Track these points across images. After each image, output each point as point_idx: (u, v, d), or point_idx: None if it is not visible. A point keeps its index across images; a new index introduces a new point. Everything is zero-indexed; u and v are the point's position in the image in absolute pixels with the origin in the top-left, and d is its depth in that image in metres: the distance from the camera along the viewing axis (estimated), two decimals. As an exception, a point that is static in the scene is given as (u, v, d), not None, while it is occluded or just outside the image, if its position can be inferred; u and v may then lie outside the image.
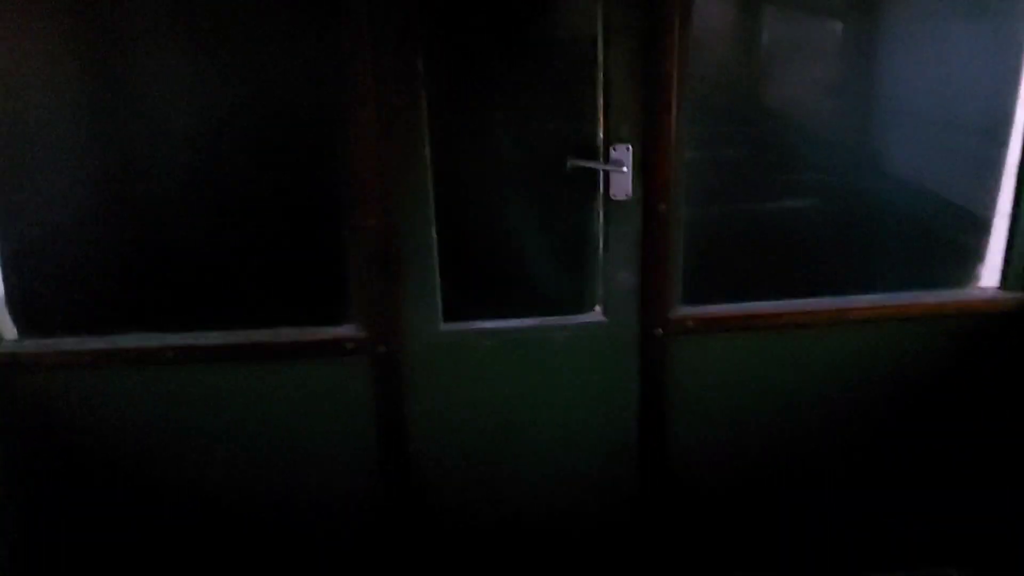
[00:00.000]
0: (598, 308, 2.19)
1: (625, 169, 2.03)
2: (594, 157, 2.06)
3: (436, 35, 1.97)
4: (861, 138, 2.36)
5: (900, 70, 2.31)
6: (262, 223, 2.15)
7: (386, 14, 1.90)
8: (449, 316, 2.15)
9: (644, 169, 2.05)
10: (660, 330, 2.17)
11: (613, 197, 2.08)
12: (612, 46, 1.97)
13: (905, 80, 2.31)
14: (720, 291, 2.23)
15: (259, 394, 2.18)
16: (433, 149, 2.00)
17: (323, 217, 2.12)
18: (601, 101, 2.02)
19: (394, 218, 2.02)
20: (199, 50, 2.04)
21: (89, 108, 2.06)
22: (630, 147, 2.03)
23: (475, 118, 2.09)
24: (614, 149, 2.04)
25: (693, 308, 2.20)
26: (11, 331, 2.13)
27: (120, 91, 2.04)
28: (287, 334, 2.14)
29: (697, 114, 2.07)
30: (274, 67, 2.06)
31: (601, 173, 2.07)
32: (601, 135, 2.04)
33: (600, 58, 1.99)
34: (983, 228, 2.32)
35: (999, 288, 2.30)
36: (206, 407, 2.17)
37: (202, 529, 2.30)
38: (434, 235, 2.06)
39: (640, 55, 1.96)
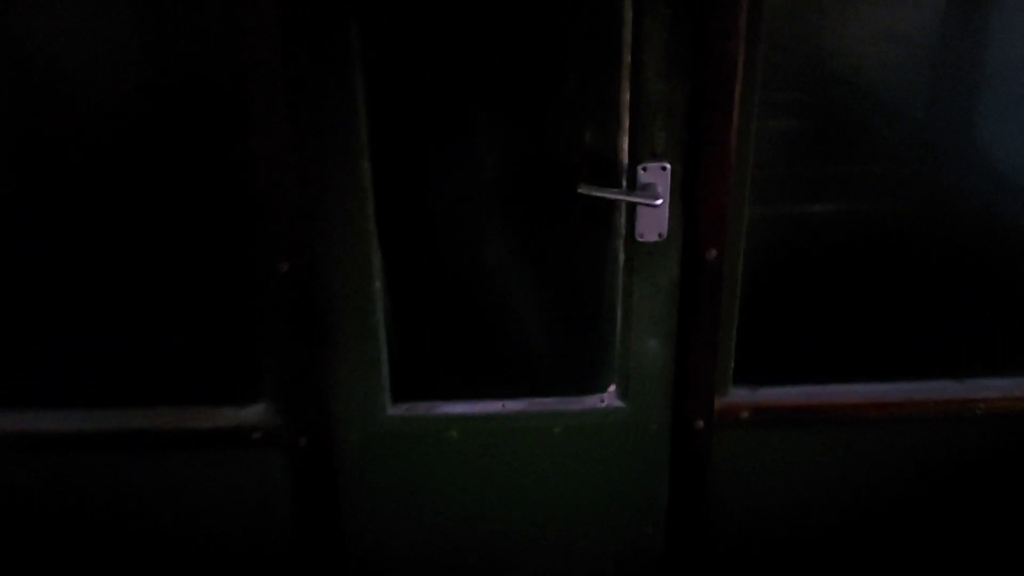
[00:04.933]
0: (613, 389, 1.74)
1: (659, 201, 1.52)
2: (614, 181, 1.55)
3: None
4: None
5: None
6: (135, 257, 1.63)
7: None
8: (400, 395, 1.71)
9: (687, 199, 1.55)
10: (701, 422, 1.73)
11: (640, 238, 1.58)
12: (647, 15, 1.44)
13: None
14: (787, 367, 1.74)
15: (137, 496, 1.70)
16: (375, 162, 1.52)
17: (221, 256, 1.61)
18: (627, 97, 1.50)
19: (320, 260, 1.56)
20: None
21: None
22: (667, 166, 1.52)
23: (439, 117, 1.57)
24: (644, 169, 1.52)
25: (749, 392, 1.74)
26: None
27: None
28: (167, 417, 1.65)
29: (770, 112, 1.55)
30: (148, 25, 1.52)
31: (624, 205, 1.56)
32: (625, 148, 1.54)
33: (627, 33, 1.47)
34: None
35: None
36: (67, 499, 1.71)
37: None
38: (378, 285, 1.60)
39: (688, 29, 1.44)
